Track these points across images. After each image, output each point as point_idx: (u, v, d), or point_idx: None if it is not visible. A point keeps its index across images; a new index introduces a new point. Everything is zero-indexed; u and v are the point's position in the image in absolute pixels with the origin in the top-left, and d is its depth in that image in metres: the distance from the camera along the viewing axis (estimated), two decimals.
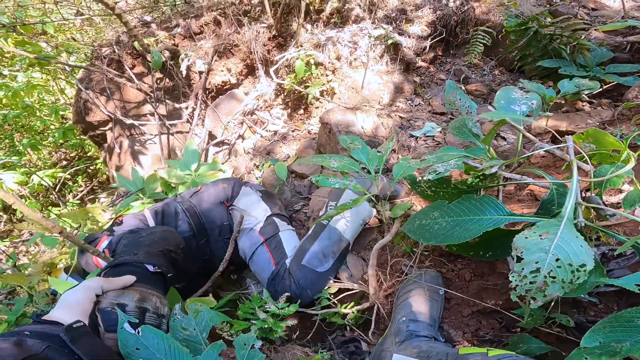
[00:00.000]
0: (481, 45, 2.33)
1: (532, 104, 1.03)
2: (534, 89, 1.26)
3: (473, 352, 0.76)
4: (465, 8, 2.59)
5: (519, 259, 0.73)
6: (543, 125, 1.34)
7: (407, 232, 1.06)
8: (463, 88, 2.27)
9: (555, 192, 0.80)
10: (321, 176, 1.51)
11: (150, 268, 0.83)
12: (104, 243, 1.19)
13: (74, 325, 0.61)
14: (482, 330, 1.06)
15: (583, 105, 1.72)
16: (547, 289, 0.69)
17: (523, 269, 0.72)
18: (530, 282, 0.71)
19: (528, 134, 0.87)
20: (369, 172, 1.53)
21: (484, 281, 1.05)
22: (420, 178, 1.07)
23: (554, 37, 2.02)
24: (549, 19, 2.17)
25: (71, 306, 0.65)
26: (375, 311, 1.30)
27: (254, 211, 1.52)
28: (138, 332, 0.71)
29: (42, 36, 2.45)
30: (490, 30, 2.37)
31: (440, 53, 2.63)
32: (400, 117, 2.08)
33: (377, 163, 1.52)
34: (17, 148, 3.28)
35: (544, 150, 0.84)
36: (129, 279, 0.76)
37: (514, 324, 0.96)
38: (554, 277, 0.69)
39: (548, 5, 2.61)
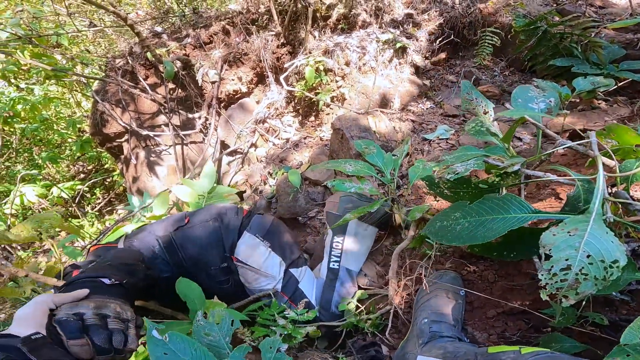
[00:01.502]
0: (490, 46, 2.33)
1: (550, 101, 1.02)
2: (549, 88, 1.25)
3: (504, 350, 0.75)
4: (472, 10, 2.60)
5: (547, 257, 0.73)
6: (560, 124, 1.33)
7: (428, 234, 1.05)
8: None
9: (581, 189, 0.79)
10: (337, 181, 1.52)
11: (107, 281, 0.81)
12: (74, 276, 1.17)
13: (32, 337, 0.61)
14: (509, 331, 1.04)
15: (599, 103, 1.70)
16: (579, 286, 0.69)
17: (552, 266, 0.71)
18: (561, 280, 0.70)
19: (549, 131, 0.86)
20: (384, 175, 1.53)
21: (509, 282, 1.03)
22: (439, 179, 1.06)
23: (564, 36, 2.02)
24: (557, 18, 2.16)
25: (26, 321, 0.65)
26: (392, 313, 1.29)
27: (270, 269, 1.39)
28: (86, 336, 0.69)
29: (56, 49, 2.50)
30: (498, 31, 2.37)
31: (449, 55, 2.64)
32: (412, 120, 2.08)
33: (392, 166, 1.52)
34: (37, 161, 3.36)
35: (566, 147, 0.83)
36: (81, 292, 0.75)
37: (542, 325, 0.95)
38: (585, 275, 0.68)
39: (555, 5, 2.61)
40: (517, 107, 1.00)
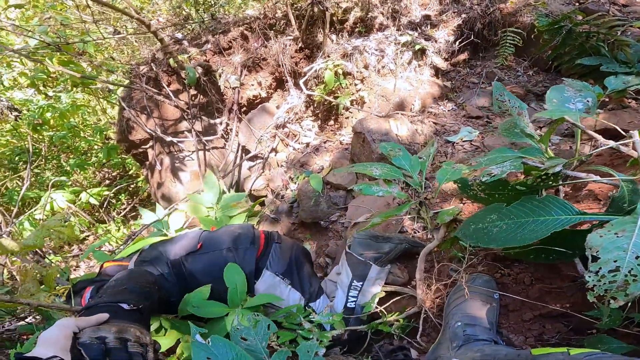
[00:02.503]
0: (512, 46, 2.31)
1: (588, 101, 1.01)
2: (581, 87, 1.23)
3: (551, 352, 0.74)
4: (491, 10, 2.58)
5: (595, 259, 0.72)
6: (591, 124, 1.31)
7: (461, 237, 1.05)
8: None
9: (625, 189, 0.78)
10: (363, 185, 1.52)
11: (125, 306, 0.84)
12: (87, 293, 1.18)
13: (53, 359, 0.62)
14: (547, 334, 1.03)
15: (629, 102, 1.67)
16: (628, 287, 0.68)
17: (600, 268, 0.70)
18: (610, 282, 0.69)
19: (590, 132, 0.85)
20: (411, 178, 1.53)
21: (547, 285, 1.02)
22: (472, 181, 1.06)
23: (590, 35, 1.99)
24: (581, 17, 2.13)
25: (49, 343, 0.67)
26: (422, 316, 1.28)
27: (288, 304, 1.42)
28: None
29: (82, 56, 2.55)
30: (519, 30, 2.35)
31: (469, 56, 2.62)
32: (434, 122, 2.07)
33: (419, 169, 1.52)
34: (65, 168, 3.46)
35: (607, 148, 0.82)
36: (102, 316, 0.78)
37: (584, 327, 0.93)
38: (635, 276, 0.68)
39: (577, 4, 2.57)
40: (553, 107, 0.99)
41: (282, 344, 1.24)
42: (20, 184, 3.20)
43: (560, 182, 0.89)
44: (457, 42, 2.55)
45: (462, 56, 2.58)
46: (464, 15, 2.63)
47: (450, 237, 1.38)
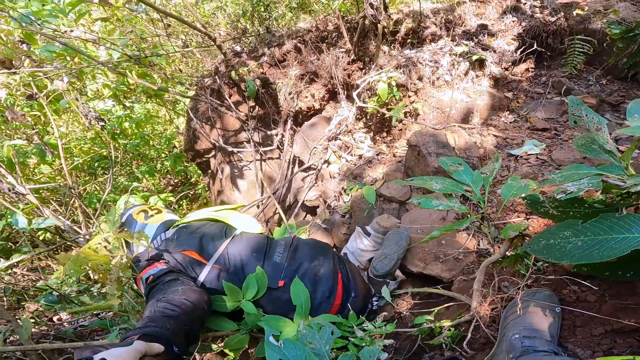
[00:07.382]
0: (581, 54, 2.19)
1: None
2: None
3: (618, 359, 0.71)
4: (556, 18, 2.47)
5: None
6: None
7: (530, 251, 1.02)
8: (567, 101, 2.14)
9: None
10: (423, 198, 1.52)
11: (176, 349, 0.99)
12: (145, 274, 1.33)
13: None
14: (617, 348, 0.98)
15: None
16: None
17: None
18: None
19: None
20: (473, 193, 1.49)
21: (622, 301, 0.97)
22: (545, 198, 1.03)
23: None
24: None
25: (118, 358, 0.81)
26: (474, 324, 1.25)
27: None
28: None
29: (152, 68, 2.78)
30: (589, 38, 2.22)
31: (532, 66, 2.52)
32: (494, 135, 2.01)
33: (482, 184, 1.48)
34: (136, 175, 3.81)
35: None
36: (160, 348, 0.94)
37: None
38: None
39: None
40: (636, 122, 0.94)
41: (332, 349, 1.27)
42: (98, 188, 3.55)
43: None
44: (519, 52, 2.46)
45: (524, 65, 2.48)
46: (524, 24, 2.54)
47: (513, 253, 1.34)
